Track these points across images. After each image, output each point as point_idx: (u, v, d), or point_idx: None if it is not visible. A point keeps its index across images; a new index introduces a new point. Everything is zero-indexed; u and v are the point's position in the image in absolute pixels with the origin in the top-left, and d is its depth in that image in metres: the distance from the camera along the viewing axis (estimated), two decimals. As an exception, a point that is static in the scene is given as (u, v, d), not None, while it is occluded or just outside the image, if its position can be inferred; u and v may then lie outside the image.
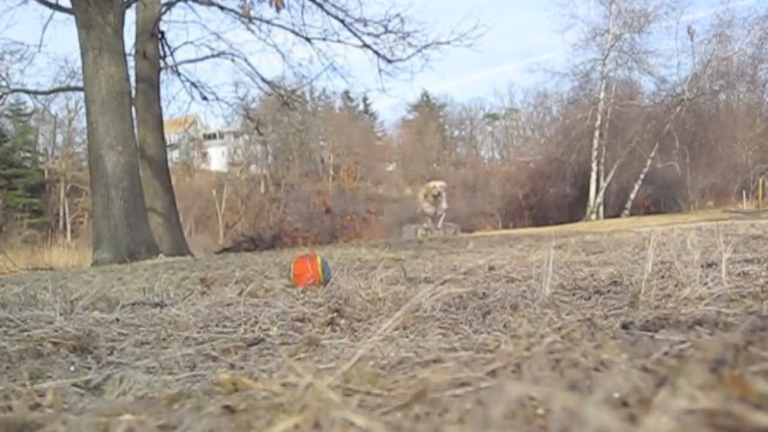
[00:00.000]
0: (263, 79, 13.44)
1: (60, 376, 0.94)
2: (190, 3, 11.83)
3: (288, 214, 31.66)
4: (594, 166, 27.27)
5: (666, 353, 0.70)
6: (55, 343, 1.15)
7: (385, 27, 11.14)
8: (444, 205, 9.03)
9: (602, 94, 26.87)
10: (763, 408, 0.45)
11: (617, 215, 26.06)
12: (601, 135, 26.97)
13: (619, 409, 0.51)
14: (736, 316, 0.97)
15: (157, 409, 0.69)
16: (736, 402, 0.45)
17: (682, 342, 0.75)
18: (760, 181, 22.48)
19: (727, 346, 0.64)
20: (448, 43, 11.31)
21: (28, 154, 33.58)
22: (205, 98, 13.36)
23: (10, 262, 7.47)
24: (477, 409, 0.55)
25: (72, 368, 1.01)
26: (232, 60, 12.94)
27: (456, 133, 44.00)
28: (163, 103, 11.94)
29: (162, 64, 12.02)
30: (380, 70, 11.83)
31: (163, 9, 11.67)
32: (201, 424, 0.59)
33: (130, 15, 10.40)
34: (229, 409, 0.63)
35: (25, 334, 1.25)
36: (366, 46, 11.57)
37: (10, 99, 21.97)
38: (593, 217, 26.60)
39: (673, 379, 0.53)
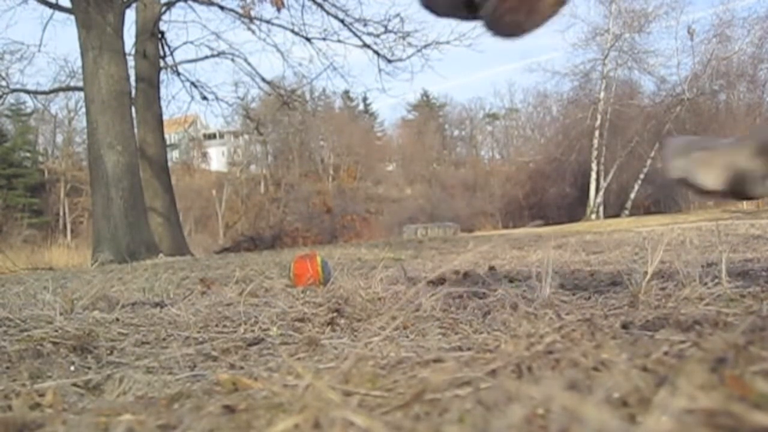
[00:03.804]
0: (263, 79, 13.45)
1: (60, 376, 0.94)
2: (190, 3, 11.84)
3: (288, 214, 31.67)
4: (594, 165, 27.28)
5: (666, 353, 0.70)
6: (55, 343, 1.15)
7: (385, 27, 11.14)
8: None
9: (602, 94, 26.87)
10: (763, 408, 0.45)
11: (617, 215, 26.06)
12: (601, 135, 26.97)
13: (619, 408, 0.51)
14: (736, 316, 0.97)
15: (157, 409, 0.69)
16: (736, 402, 0.45)
17: (682, 342, 0.75)
18: (760, 181, 22.41)
19: (727, 345, 0.64)
20: (448, 42, 11.31)
21: (28, 154, 33.59)
22: (205, 98, 13.37)
23: (10, 262, 7.47)
24: (477, 409, 0.55)
25: (72, 368, 1.01)
26: (232, 60, 12.96)
27: (456, 133, 44.04)
28: (163, 103, 11.95)
29: (162, 63, 12.03)
30: (380, 70, 11.83)
31: (163, 9, 11.67)
32: (201, 424, 0.59)
33: (130, 15, 10.42)
34: (229, 409, 0.63)
35: (25, 334, 1.25)
36: (366, 45, 11.57)
37: (10, 99, 21.96)
38: (593, 217, 26.60)
39: (673, 378, 0.53)
